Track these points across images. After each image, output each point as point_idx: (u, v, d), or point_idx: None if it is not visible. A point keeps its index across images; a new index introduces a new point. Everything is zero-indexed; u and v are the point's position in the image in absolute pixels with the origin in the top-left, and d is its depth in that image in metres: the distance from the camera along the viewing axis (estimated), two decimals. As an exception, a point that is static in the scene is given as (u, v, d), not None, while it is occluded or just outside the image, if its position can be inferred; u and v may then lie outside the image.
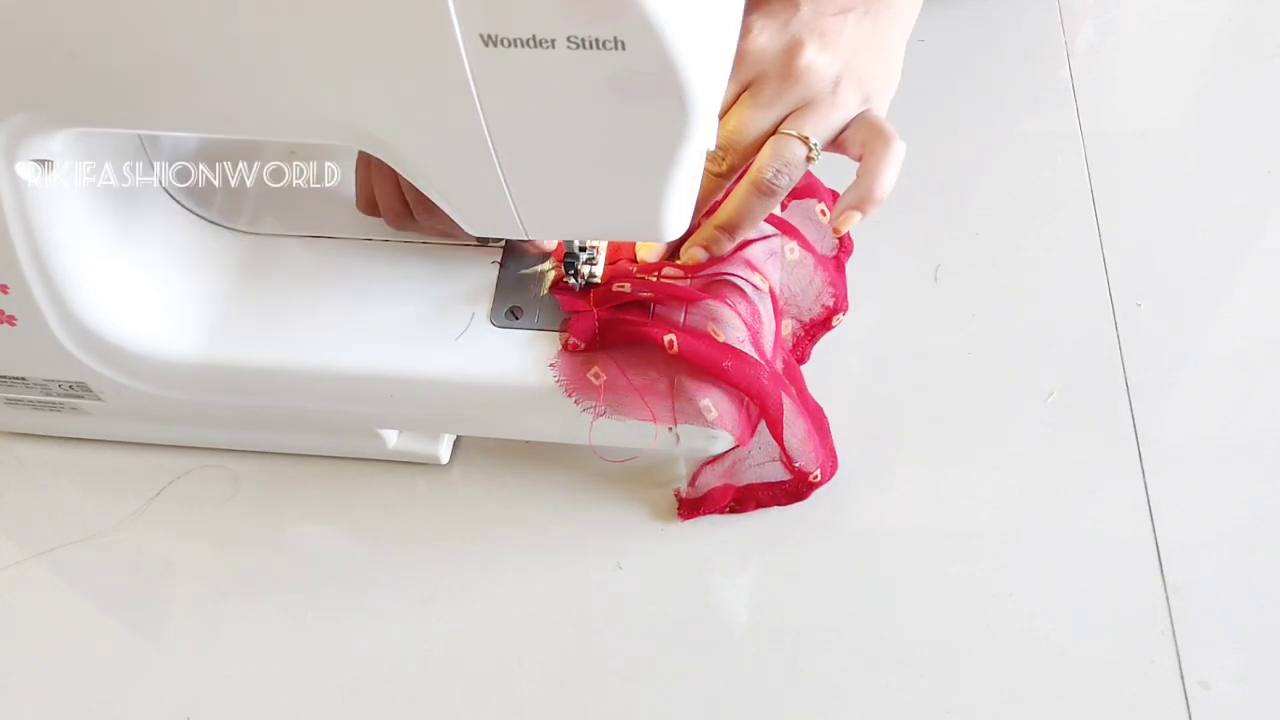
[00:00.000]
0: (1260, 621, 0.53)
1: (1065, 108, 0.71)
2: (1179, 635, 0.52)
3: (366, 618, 0.54)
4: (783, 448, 0.53)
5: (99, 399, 0.55)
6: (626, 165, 0.41)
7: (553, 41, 0.35)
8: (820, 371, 0.58)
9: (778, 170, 0.48)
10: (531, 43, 0.35)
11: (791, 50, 0.48)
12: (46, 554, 0.57)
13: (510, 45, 0.35)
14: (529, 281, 0.54)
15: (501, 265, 0.54)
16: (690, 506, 0.56)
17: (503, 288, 0.53)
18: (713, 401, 0.51)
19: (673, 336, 0.50)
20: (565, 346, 0.51)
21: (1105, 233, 0.65)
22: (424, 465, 0.59)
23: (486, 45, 0.35)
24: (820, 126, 0.48)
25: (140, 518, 0.58)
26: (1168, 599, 0.53)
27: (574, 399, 0.51)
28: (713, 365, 0.50)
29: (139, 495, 0.58)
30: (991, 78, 0.72)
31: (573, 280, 0.53)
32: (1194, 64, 0.74)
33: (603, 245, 0.54)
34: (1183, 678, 0.51)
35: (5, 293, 0.49)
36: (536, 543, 0.56)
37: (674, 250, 0.54)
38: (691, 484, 0.56)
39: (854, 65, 0.49)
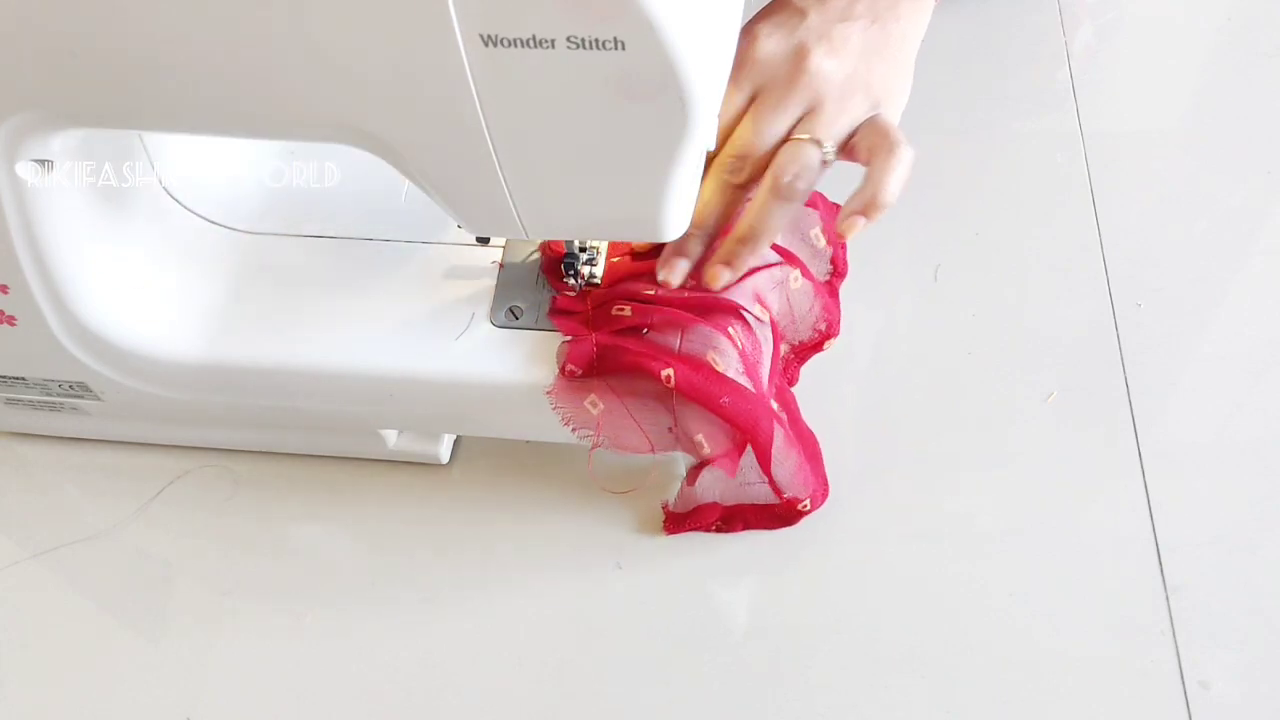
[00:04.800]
0: (1260, 621, 0.53)
1: (1065, 108, 0.71)
2: (1179, 635, 0.52)
3: (366, 617, 0.54)
4: (771, 480, 0.53)
5: (99, 399, 0.55)
6: (626, 165, 0.41)
7: (553, 41, 0.35)
8: (820, 372, 0.58)
9: (795, 174, 0.48)
10: (531, 43, 0.35)
11: (799, 56, 0.48)
12: (46, 554, 0.57)
13: (510, 45, 0.35)
14: (528, 277, 0.54)
15: (501, 265, 0.54)
16: (676, 521, 0.56)
17: (503, 288, 0.53)
18: (706, 437, 0.51)
19: (670, 371, 0.49)
20: (562, 372, 0.51)
21: (1105, 233, 0.65)
22: (424, 465, 0.59)
23: (486, 45, 0.35)
24: (830, 130, 0.48)
25: (140, 518, 0.58)
26: (1168, 599, 0.53)
27: (570, 427, 0.51)
28: (710, 400, 0.50)
29: (139, 495, 0.58)
30: (991, 78, 0.72)
31: (572, 280, 0.53)
32: (1194, 64, 0.74)
33: (603, 245, 0.54)
34: (1183, 678, 0.51)
35: (5, 293, 0.49)
36: (536, 543, 0.56)
37: (656, 248, 0.53)
38: (691, 482, 0.56)
39: (861, 71, 0.49)
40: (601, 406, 0.51)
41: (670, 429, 0.52)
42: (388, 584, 0.55)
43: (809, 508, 0.55)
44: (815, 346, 0.57)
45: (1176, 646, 0.52)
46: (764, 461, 0.52)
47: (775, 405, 0.54)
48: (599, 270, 0.53)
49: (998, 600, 0.54)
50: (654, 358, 0.50)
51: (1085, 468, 0.57)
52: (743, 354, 0.51)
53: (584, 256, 0.52)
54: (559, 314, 0.52)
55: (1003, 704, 0.51)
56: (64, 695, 0.53)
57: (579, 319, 0.52)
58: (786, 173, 0.48)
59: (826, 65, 0.48)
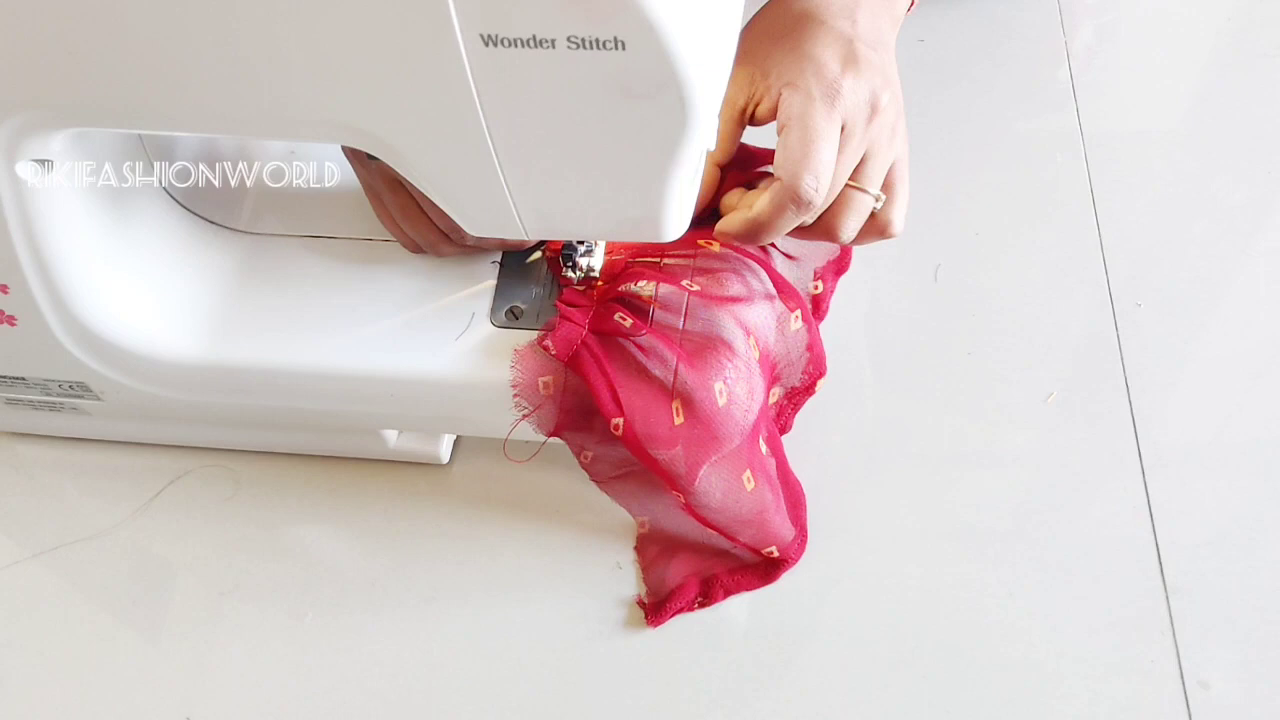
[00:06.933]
0: (1260, 621, 0.53)
1: (1065, 108, 0.71)
2: (1179, 635, 0.52)
3: (366, 617, 0.54)
4: (709, 523, 0.53)
5: (99, 399, 0.55)
6: (626, 165, 0.41)
7: (553, 41, 0.35)
8: (820, 372, 0.58)
9: (853, 229, 0.49)
10: (531, 43, 0.35)
11: (874, 104, 0.48)
12: (46, 554, 0.57)
13: (510, 45, 0.35)
14: (529, 277, 0.53)
15: (501, 265, 0.54)
16: (656, 611, 0.54)
17: (503, 288, 0.53)
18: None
19: (620, 421, 0.49)
20: (540, 342, 0.51)
21: (1105, 233, 0.65)
22: (424, 465, 0.59)
23: (486, 45, 0.35)
24: (880, 178, 0.49)
25: (140, 518, 0.58)
26: (1168, 599, 0.53)
27: (514, 391, 0.51)
28: (644, 455, 0.50)
29: (139, 495, 0.58)
30: (991, 78, 0.72)
31: (571, 273, 0.53)
32: (1194, 64, 0.74)
33: None
34: (1183, 678, 0.51)
35: (5, 293, 0.49)
36: (536, 543, 0.56)
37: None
38: (646, 565, 0.55)
39: (896, 104, 0.49)
40: (551, 392, 0.51)
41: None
42: (388, 584, 0.55)
43: (776, 554, 0.54)
44: (807, 390, 0.57)
45: (1176, 646, 0.52)
46: (688, 511, 0.53)
47: (764, 449, 0.54)
48: (597, 262, 0.53)
49: (997, 601, 0.54)
50: (613, 400, 0.50)
51: (1085, 468, 0.57)
52: (733, 402, 0.50)
53: (582, 248, 0.52)
54: (563, 304, 0.52)
55: (1003, 704, 0.51)
56: (64, 695, 0.53)
57: (582, 312, 0.52)
58: (846, 228, 0.49)
59: (890, 108, 0.48)
